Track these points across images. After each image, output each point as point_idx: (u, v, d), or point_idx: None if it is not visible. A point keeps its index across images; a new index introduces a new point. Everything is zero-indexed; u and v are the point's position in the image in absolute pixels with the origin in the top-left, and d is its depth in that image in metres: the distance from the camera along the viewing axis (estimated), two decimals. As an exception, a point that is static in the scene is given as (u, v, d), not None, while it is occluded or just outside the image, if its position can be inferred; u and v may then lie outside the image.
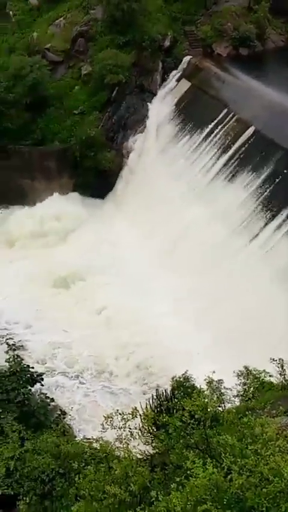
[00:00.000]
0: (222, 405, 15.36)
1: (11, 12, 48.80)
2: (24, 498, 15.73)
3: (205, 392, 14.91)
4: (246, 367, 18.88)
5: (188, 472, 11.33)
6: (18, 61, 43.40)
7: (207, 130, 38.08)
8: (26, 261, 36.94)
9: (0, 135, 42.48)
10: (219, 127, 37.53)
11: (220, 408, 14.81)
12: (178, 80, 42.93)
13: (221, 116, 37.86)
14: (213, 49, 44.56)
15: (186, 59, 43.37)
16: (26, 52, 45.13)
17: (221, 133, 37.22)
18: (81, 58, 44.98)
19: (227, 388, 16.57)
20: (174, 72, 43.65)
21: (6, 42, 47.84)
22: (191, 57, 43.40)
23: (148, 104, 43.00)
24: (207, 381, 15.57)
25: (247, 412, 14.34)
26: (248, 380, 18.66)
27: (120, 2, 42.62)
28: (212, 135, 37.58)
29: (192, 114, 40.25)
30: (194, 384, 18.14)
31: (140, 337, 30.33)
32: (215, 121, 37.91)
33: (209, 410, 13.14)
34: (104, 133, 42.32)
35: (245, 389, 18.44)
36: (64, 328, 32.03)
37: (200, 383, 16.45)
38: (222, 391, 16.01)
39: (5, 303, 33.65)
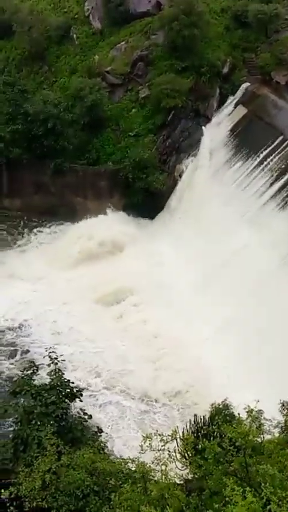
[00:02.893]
0: (262, 435, 14.98)
1: (74, 36, 50.28)
2: (57, 513, 15.63)
3: (245, 421, 14.59)
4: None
5: (227, 499, 11.04)
6: (79, 82, 44.66)
7: (261, 156, 37.95)
8: (72, 278, 37.33)
9: (57, 153, 43.65)
10: (274, 154, 37.32)
11: (259, 439, 14.45)
12: (235, 106, 43.11)
13: (276, 142, 37.68)
14: (272, 77, 44.47)
15: (244, 85, 43.59)
16: (86, 74, 46.33)
17: (275, 160, 37.00)
18: (139, 82, 45.83)
19: (266, 419, 16.14)
20: (231, 98, 43.92)
21: (68, 64, 49.32)
22: (248, 84, 43.59)
23: (203, 128, 43.22)
24: (246, 410, 15.23)
25: (288, 444, 13.94)
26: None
27: (182, 29, 43.34)
28: (266, 162, 37.40)
29: (247, 140, 40.21)
30: (233, 412, 17.79)
31: (180, 361, 30.06)
32: (270, 148, 37.75)
33: (250, 438, 12.84)
34: (157, 156, 42.79)
35: (286, 420, 17.91)
36: (105, 346, 32.04)
37: (239, 411, 16.10)
38: (262, 421, 15.60)
39: (49, 317, 34.04)
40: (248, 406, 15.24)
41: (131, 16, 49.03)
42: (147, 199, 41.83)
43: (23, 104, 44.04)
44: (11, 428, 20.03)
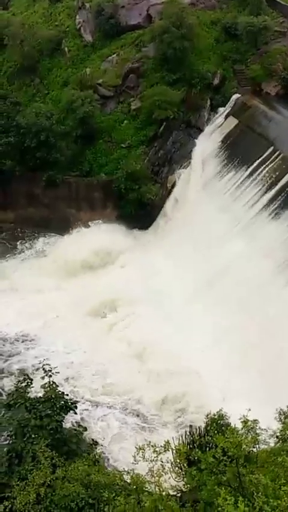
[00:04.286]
0: (257, 445, 15.02)
1: (66, 49, 50.59)
2: (52, 526, 15.59)
3: (239, 431, 14.63)
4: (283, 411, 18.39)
5: (219, 508, 11.10)
6: (71, 95, 44.86)
7: (252, 167, 38.25)
8: (65, 289, 37.37)
9: (49, 165, 43.82)
10: (265, 164, 37.61)
11: (254, 449, 14.49)
12: (226, 117, 43.53)
13: (267, 153, 38.01)
14: (262, 88, 45.00)
15: (235, 96, 44.04)
16: (78, 86, 46.52)
17: (266, 170, 37.29)
18: (131, 94, 46.16)
19: (262, 429, 16.18)
20: (222, 109, 44.37)
21: (60, 76, 49.60)
22: (239, 95, 44.04)
23: (194, 139, 43.57)
24: (242, 419, 15.27)
25: (282, 452, 13.99)
26: (286, 420, 18.15)
27: (173, 41, 43.77)
28: (257, 172, 37.67)
29: (238, 150, 40.55)
30: (228, 422, 17.79)
31: (175, 371, 30.03)
32: (261, 158, 38.04)
33: (242, 448, 12.89)
34: (149, 167, 43.06)
35: (282, 428, 17.94)
36: (98, 358, 32.03)
37: (235, 421, 16.14)
38: (258, 431, 15.64)
39: (43, 330, 34.02)
40: (244, 415, 15.32)
41: (122, 29, 49.43)
42: (140, 210, 42.05)
43: (15, 117, 44.27)
44: (6, 442, 19.98)
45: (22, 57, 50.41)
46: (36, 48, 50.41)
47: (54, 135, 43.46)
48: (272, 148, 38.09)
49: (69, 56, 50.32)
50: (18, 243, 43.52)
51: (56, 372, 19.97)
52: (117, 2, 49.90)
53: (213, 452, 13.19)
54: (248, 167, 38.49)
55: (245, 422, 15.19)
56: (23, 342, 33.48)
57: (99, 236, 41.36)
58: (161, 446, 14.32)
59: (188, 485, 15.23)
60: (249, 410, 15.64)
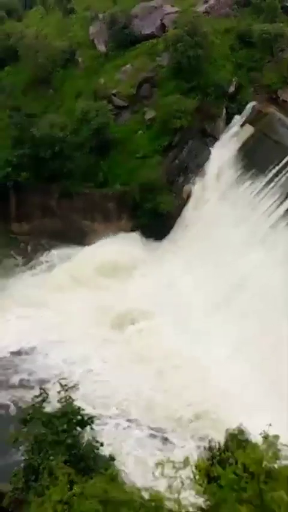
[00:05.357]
0: (278, 461, 14.58)
1: (80, 59, 50.74)
2: None
3: (260, 446, 14.20)
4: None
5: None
6: (85, 106, 44.89)
7: (270, 175, 37.80)
8: (82, 301, 37.10)
9: (64, 177, 43.82)
10: (282, 172, 37.16)
11: (275, 465, 14.04)
12: (241, 125, 43.12)
13: (284, 161, 37.57)
14: (278, 95, 44.60)
15: (251, 104, 43.68)
16: (92, 97, 46.64)
17: (284, 178, 36.81)
18: (145, 103, 46.04)
19: (283, 444, 15.72)
20: (237, 117, 43.95)
21: (74, 87, 49.74)
22: (255, 103, 43.63)
23: (210, 148, 43.25)
24: (262, 435, 14.84)
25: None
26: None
27: (187, 50, 43.62)
28: (275, 181, 37.22)
29: (255, 158, 40.17)
30: (248, 437, 17.36)
31: (193, 384, 29.55)
32: (278, 166, 37.63)
33: (263, 464, 12.47)
34: (164, 177, 42.75)
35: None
36: (115, 370, 31.67)
37: (255, 436, 15.71)
38: (279, 446, 15.19)
39: (59, 343, 33.77)
40: (264, 431, 14.89)
41: (136, 39, 49.49)
42: (155, 221, 41.66)
43: (30, 128, 44.34)
44: (23, 458, 19.73)
45: (36, 68, 50.67)
46: (50, 59, 50.53)
47: (68, 146, 43.47)
48: (289, 156, 37.72)
49: (83, 67, 50.48)
50: (33, 254, 43.40)
51: (71, 387, 19.70)
52: (130, 12, 50.05)
53: (234, 469, 12.80)
54: (266, 175, 38.09)
55: (266, 437, 14.79)
56: (39, 354, 33.26)
57: (114, 247, 41.12)
58: (180, 462, 13.94)
59: (208, 502, 14.82)
60: (270, 425, 15.23)
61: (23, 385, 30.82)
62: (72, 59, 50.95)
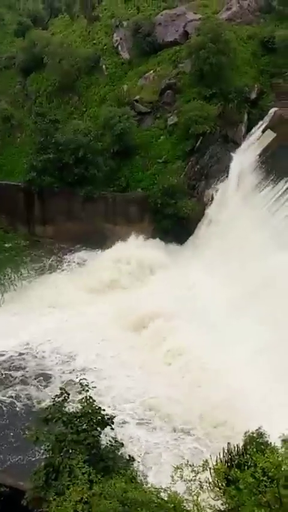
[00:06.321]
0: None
1: (103, 66, 51.30)
2: None
3: (280, 450, 14.25)
4: None
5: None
6: (108, 112, 45.44)
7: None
8: (103, 304, 37.43)
9: (87, 181, 44.40)
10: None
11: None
12: (263, 131, 43.12)
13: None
14: (301, 101, 44.52)
15: (272, 110, 43.64)
16: (116, 103, 47.16)
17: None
18: (168, 109, 46.41)
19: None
20: (259, 123, 43.98)
21: (98, 94, 50.32)
22: (277, 108, 43.59)
23: (232, 153, 43.34)
24: (282, 438, 14.89)
25: None
26: None
27: (209, 56, 43.83)
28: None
29: (276, 164, 40.14)
30: (267, 441, 17.39)
31: (215, 386, 29.52)
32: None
33: (283, 468, 12.54)
34: (186, 182, 43.03)
35: None
36: (137, 373, 31.82)
37: (276, 438, 15.76)
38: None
39: (81, 345, 34.09)
40: (283, 434, 14.92)
41: (159, 46, 49.96)
42: (176, 225, 42.00)
43: (54, 134, 45.11)
44: (43, 456, 20.00)
45: (61, 75, 51.51)
46: (75, 66, 51.34)
47: (91, 151, 44.06)
48: (310, 161, 37.69)
49: (106, 74, 51.05)
50: (57, 257, 44.02)
51: (92, 387, 19.95)
52: (154, 19, 50.47)
53: (253, 472, 12.88)
54: (287, 181, 38.05)
55: (285, 441, 14.82)
56: (61, 355, 33.58)
57: (136, 251, 41.47)
58: (199, 465, 14.06)
59: (227, 505, 14.90)
60: (288, 429, 15.27)
61: (44, 384, 31.13)
62: (97, 66, 51.59)
